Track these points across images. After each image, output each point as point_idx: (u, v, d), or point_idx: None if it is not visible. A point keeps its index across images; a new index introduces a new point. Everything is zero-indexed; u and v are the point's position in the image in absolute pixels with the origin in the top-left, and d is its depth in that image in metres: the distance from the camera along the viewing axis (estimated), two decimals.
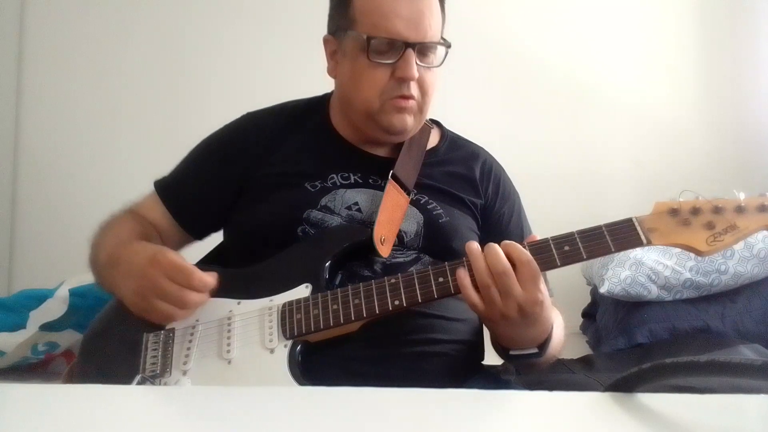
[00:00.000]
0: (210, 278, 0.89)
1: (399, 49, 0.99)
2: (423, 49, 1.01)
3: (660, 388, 0.50)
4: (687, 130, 2.30)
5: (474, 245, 0.86)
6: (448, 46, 1.04)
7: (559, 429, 0.49)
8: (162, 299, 0.87)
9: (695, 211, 0.84)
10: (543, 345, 0.91)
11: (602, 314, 1.84)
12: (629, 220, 0.86)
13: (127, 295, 0.91)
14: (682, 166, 2.22)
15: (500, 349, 0.95)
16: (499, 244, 0.85)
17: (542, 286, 0.85)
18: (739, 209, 0.83)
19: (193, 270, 0.87)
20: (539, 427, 0.50)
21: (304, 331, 0.88)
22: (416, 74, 0.99)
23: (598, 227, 0.86)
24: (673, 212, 0.85)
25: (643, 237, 0.84)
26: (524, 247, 0.85)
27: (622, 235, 0.85)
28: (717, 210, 0.83)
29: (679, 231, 0.84)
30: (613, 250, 0.85)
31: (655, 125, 2.30)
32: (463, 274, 0.85)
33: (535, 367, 0.99)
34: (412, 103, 1.02)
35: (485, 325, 0.95)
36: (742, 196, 0.84)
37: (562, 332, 1.01)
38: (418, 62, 1.00)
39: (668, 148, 2.25)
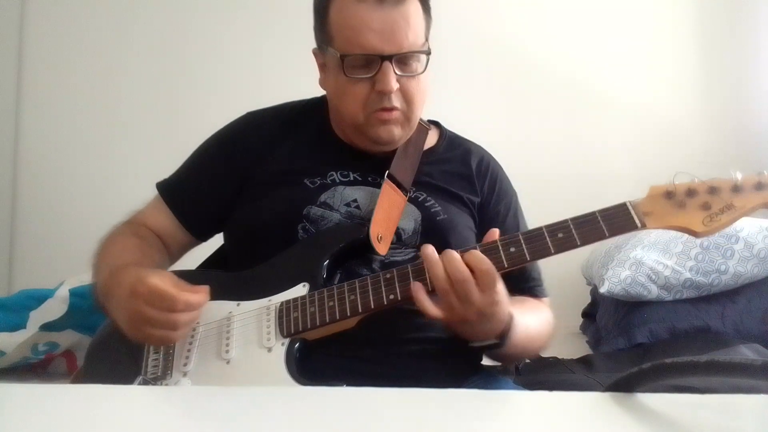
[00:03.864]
0: (196, 296, 0.87)
1: (376, 63, 0.97)
2: (402, 59, 0.98)
3: (660, 388, 0.50)
4: (687, 130, 2.30)
5: (429, 249, 0.85)
6: (427, 53, 1.01)
7: (559, 429, 0.49)
8: (152, 327, 0.86)
9: (691, 192, 0.83)
10: (503, 335, 0.90)
11: (602, 314, 1.84)
12: (623, 205, 0.85)
13: (122, 327, 0.90)
14: (681, 166, 2.21)
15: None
16: (459, 251, 0.85)
17: (499, 287, 0.84)
18: (736, 188, 0.82)
19: (174, 293, 0.85)
20: (539, 427, 0.50)
21: (300, 329, 0.88)
22: (394, 86, 0.97)
23: (592, 213, 0.85)
24: (669, 195, 0.84)
25: (637, 220, 0.83)
26: (479, 250, 0.85)
27: (616, 219, 0.84)
28: (713, 190, 0.82)
29: (674, 213, 0.83)
30: (607, 235, 0.84)
31: (655, 125, 2.30)
32: (418, 287, 0.84)
33: (508, 358, 0.99)
34: (396, 114, 1.01)
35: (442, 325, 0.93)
36: (738, 175, 0.82)
37: (544, 326, 1.01)
38: (399, 72, 0.98)
39: (668, 148, 2.25)
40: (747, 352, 1.45)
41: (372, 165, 1.07)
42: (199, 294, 0.88)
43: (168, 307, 0.85)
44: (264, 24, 2.31)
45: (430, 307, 0.84)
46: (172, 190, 1.13)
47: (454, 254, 0.84)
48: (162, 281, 0.86)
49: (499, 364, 1.40)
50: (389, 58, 0.97)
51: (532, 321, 0.97)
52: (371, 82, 0.98)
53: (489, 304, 0.83)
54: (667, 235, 1.71)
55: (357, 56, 0.97)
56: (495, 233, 0.89)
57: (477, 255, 0.83)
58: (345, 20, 0.98)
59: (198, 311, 0.89)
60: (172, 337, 0.88)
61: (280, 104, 1.18)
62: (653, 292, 1.66)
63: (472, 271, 0.83)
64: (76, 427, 0.47)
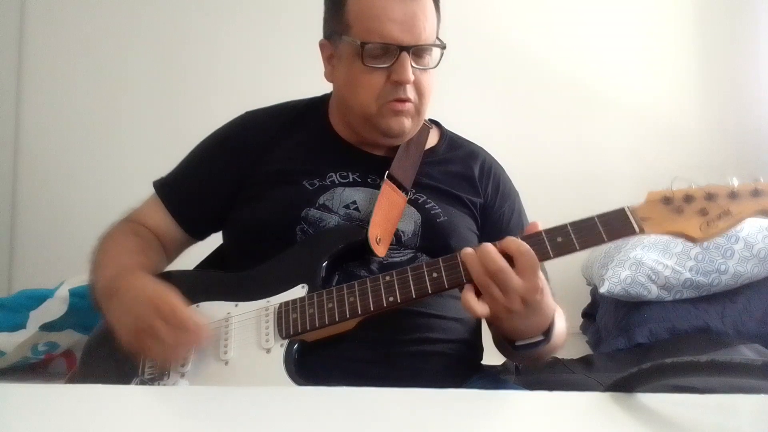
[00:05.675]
0: (204, 333, 0.88)
1: (394, 53, 0.98)
2: (418, 52, 1.01)
3: (660, 388, 0.50)
4: (686, 130, 2.30)
5: (467, 251, 0.85)
6: (443, 47, 1.03)
7: (559, 429, 0.49)
8: (157, 343, 0.86)
9: (688, 198, 0.84)
10: (547, 331, 0.91)
11: (602, 314, 1.84)
12: (621, 210, 0.86)
13: (121, 331, 0.90)
14: (681, 167, 2.22)
15: (505, 344, 0.95)
16: (497, 240, 0.85)
17: (540, 274, 0.85)
18: (732, 195, 0.83)
19: (189, 322, 0.86)
20: (539, 427, 0.50)
21: (299, 330, 0.88)
22: (411, 77, 0.99)
23: (591, 218, 0.86)
24: (666, 200, 0.85)
25: (635, 226, 0.84)
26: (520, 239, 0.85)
27: (615, 224, 0.85)
28: (710, 196, 0.83)
29: (672, 219, 0.84)
30: (605, 239, 0.85)
31: (655, 125, 2.30)
32: (468, 293, 0.84)
33: (541, 358, 0.98)
34: (408, 105, 1.02)
35: (489, 324, 0.94)
36: (735, 182, 0.83)
37: (564, 323, 1.01)
38: (414, 64, 1.00)
39: (668, 148, 2.25)
40: (747, 352, 1.45)
41: (372, 166, 1.07)
42: (206, 332, 0.88)
43: (182, 333, 0.86)
44: (264, 24, 2.31)
45: (477, 306, 0.83)
46: (168, 189, 1.13)
47: (489, 246, 0.84)
48: (183, 305, 0.87)
49: (500, 363, 1.40)
50: (407, 49, 0.98)
51: (559, 319, 0.97)
52: (387, 72, 1.00)
53: (532, 291, 0.83)
54: (666, 236, 1.70)
55: (376, 45, 0.98)
56: (537, 225, 0.88)
57: (515, 240, 0.84)
58: (365, 9, 0.99)
59: (194, 348, 0.89)
60: (169, 357, 0.88)
61: (280, 103, 1.18)
62: (653, 292, 1.66)
63: (511, 257, 0.83)
64: (76, 427, 0.47)
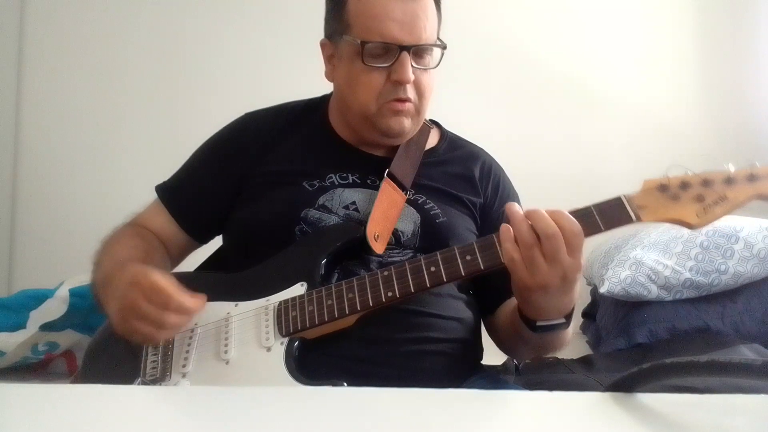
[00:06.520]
0: (191, 301, 0.87)
1: (394, 53, 0.99)
2: (418, 51, 1.01)
3: (660, 388, 0.50)
4: (686, 129, 2.30)
5: (515, 206, 0.83)
6: (443, 47, 1.03)
7: (559, 429, 0.49)
8: (141, 321, 0.85)
9: (684, 185, 0.84)
10: (569, 315, 0.90)
11: (602, 314, 1.84)
12: (617, 198, 0.85)
13: (112, 317, 0.90)
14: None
15: (521, 324, 0.93)
16: (546, 210, 0.83)
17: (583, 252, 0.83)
18: (729, 180, 0.83)
19: (170, 292, 0.85)
20: (539, 427, 0.50)
21: (299, 328, 0.89)
22: (411, 77, 0.99)
23: (587, 207, 0.85)
24: (662, 188, 0.85)
25: (632, 214, 0.84)
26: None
27: (611, 213, 0.84)
28: (706, 183, 0.83)
29: (668, 206, 0.84)
30: (602, 228, 0.84)
31: (654, 125, 2.30)
32: (506, 228, 0.81)
33: (553, 344, 0.98)
34: (408, 105, 1.02)
35: (517, 294, 0.89)
36: (731, 168, 0.83)
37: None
38: (414, 64, 1.00)
39: (667, 147, 2.25)
40: (747, 352, 1.45)
41: (371, 166, 1.07)
42: (195, 300, 0.87)
43: (161, 304, 0.85)
44: (264, 24, 2.31)
45: (515, 252, 0.80)
46: (170, 193, 1.13)
47: (542, 210, 0.81)
48: (164, 279, 0.86)
49: (500, 363, 1.40)
50: (408, 48, 0.98)
51: None
52: (387, 71, 1.00)
53: (575, 269, 0.81)
54: (667, 235, 1.71)
55: (377, 44, 0.98)
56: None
57: (566, 215, 0.82)
58: (366, 9, 0.99)
59: (189, 318, 0.88)
60: (155, 336, 0.87)
61: (279, 105, 1.18)
62: (653, 292, 1.66)
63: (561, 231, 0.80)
64: (76, 427, 0.47)
